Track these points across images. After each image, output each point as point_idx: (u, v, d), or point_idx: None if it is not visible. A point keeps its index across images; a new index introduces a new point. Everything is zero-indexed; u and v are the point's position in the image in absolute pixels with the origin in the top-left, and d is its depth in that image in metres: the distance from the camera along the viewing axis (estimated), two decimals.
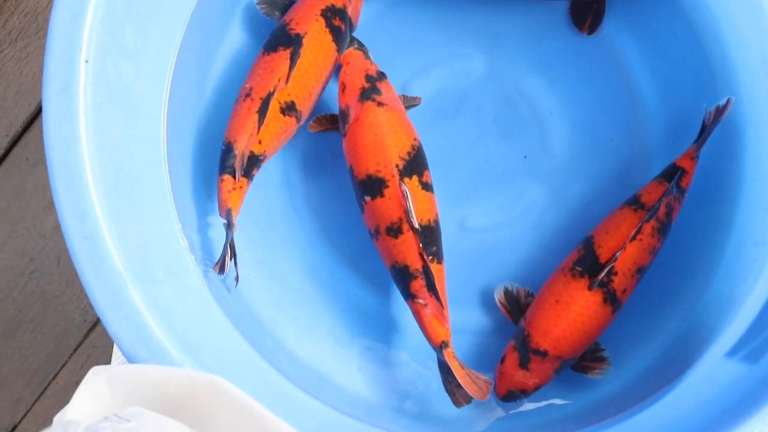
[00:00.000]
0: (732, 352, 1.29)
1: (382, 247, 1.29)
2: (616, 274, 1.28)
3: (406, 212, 1.26)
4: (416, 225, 1.25)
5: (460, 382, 1.23)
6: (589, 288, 1.27)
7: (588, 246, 1.30)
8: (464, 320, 1.38)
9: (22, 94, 1.50)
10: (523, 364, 1.29)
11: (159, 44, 1.27)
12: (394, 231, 1.27)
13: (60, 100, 1.15)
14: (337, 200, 1.39)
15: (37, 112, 1.51)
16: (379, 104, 1.30)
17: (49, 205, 1.49)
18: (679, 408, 1.26)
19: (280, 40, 1.35)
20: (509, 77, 1.44)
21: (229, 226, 1.27)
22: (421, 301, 1.26)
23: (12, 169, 1.50)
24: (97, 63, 1.17)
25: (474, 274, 1.40)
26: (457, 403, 1.26)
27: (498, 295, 1.35)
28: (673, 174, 1.33)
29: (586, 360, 1.31)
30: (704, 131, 1.34)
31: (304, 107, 1.33)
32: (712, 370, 1.30)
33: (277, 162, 1.40)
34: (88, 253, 1.14)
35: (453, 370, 1.24)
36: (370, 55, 1.41)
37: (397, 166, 1.27)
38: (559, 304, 1.28)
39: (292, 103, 1.31)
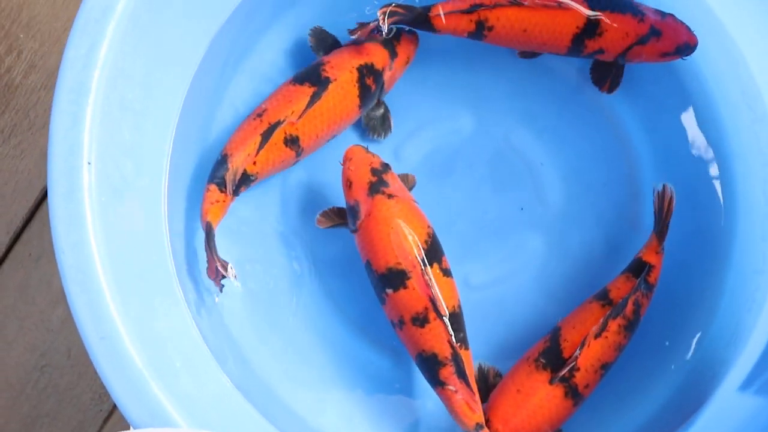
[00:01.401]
0: (745, 385, 1.31)
1: (407, 337, 1.27)
2: (578, 369, 1.28)
3: (433, 302, 1.25)
4: (446, 313, 1.25)
5: None
6: (550, 382, 1.27)
7: (554, 338, 1.30)
8: None
9: (19, 191, 1.51)
10: None
11: (154, 137, 1.28)
12: (420, 320, 1.25)
13: (67, 205, 1.16)
14: (346, 270, 1.40)
15: (36, 207, 1.52)
16: (389, 196, 1.29)
17: (55, 299, 1.49)
18: None
19: (310, 76, 1.36)
20: (498, 132, 1.45)
21: (208, 236, 1.26)
22: (451, 387, 1.25)
23: (15, 265, 1.51)
24: (99, 164, 1.18)
25: (482, 330, 1.39)
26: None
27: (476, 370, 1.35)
28: (640, 269, 1.32)
29: None
30: (661, 221, 1.34)
31: (307, 146, 1.33)
32: (727, 406, 1.30)
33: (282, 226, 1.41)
34: (106, 351, 1.15)
35: None
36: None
37: (417, 256, 1.26)
38: (521, 394, 1.28)
39: (297, 138, 1.32)
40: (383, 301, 1.27)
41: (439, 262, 1.27)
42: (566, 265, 1.43)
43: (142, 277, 1.20)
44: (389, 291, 1.25)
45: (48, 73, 1.55)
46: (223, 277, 1.25)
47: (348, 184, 1.31)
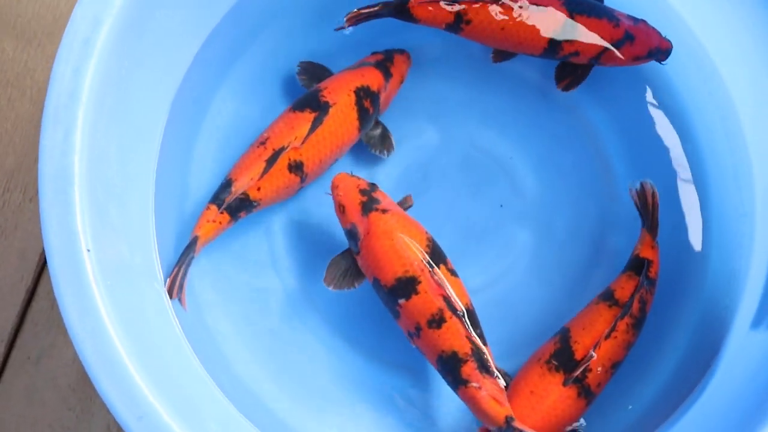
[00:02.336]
0: (756, 323, 1.31)
1: (425, 342, 1.26)
2: (590, 370, 1.28)
3: (447, 300, 1.25)
4: (461, 308, 1.25)
5: None
6: (564, 384, 1.27)
7: (564, 340, 1.29)
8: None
9: (3, 297, 1.49)
10: None
11: (139, 214, 1.29)
12: (437, 322, 1.25)
13: (76, 295, 1.14)
14: (352, 303, 1.40)
15: (24, 309, 1.49)
16: (383, 211, 1.30)
17: (64, 396, 1.45)
18: (724, 393, 1.26)
19: (310, 102, 1.37)
20: (462, 137, 1.46)
21: (188, 249, 1.27)
22: (474, 384, 1.23)
23: (17, 371, 1.47)
24: (96, 249, 1.16)
25: (487, 332, 1.34)
26: None
27: None
28: (640, 266, 1.33)
29: None
30: (648, 217, 1.35)
31: (311, 171, 1.35)
32: (744, 345, 1.31)
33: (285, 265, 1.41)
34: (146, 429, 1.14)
35: None
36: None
37: (423, 260, 1.26)
38: (534, 395, 1.28)
39: (301, 163, 1.33)
40: (397, 315, 1.27)
41: (445, 263, 1.28)
42: (557, 250, 1.44)
43: (161, 357, 1.21)
44: (402, 301, 1.26)
45: (7, 176, 1.53)
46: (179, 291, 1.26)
47: (341, 210, 1.31)
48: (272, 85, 1.45)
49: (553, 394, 1.27)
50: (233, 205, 1.30)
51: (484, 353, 1.23)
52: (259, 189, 1.31)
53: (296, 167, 1.33)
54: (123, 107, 1.23)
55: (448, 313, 1.24)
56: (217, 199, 1.30)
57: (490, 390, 1.22)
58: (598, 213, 1.44)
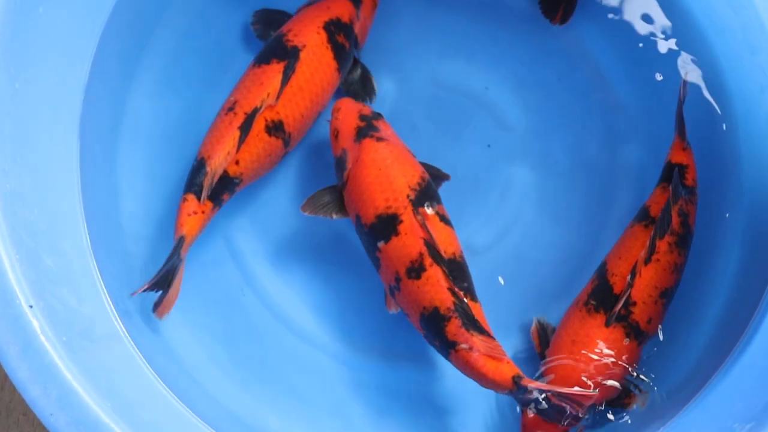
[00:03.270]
0: None
1: (405, 298, 1.15)
2: (635, 304, 1.17)
3: (427, 243, 1.13)
4: (441, 253, 1.13)
5: (563, 393, 1.10)
6: (606, 324, 1.17)
7: (601, 275, 1.20)
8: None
9: None
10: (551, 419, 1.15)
11: (75, 255, 1.16)
12: (416, 270, 1.13)
13: (29, 362, 0.99)
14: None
15: None
16: (379, 139, 1.19)
17: None
18: None
19: (275, 51, 1.21)
20: (421, 78, 1.33)
21: (175, 253, 1.14)
22: (463, 346, 1.11)
23: None
24: (39, 304, 1.01)
25: (512, 289, 1.28)
26: (572, 422, 1.12)
27: (534, 326, 1.25)
28: (670, 175, 1.21)
29: (621, 397, 1.20)
30: (680, 119, 1.23)
31: (295, 130, 1.21)
32: None
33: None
34: None
35: (547, 389, 1.10)
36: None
37: (408, 196, 1.16)
38: (576, 345, 1.17)
39: (281, 123, 1.19)
40: (377, 263, 1.17)
41: (435, 207, 1.18)
42: (564, 181, 1.31)
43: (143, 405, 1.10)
44: (381, 244, 1.16)
45: None
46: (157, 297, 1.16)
47: (335, 134, 1.22)
48: (196, 67, 1.31)
49: (597, 338, 1.16)
50: (213, 188, 1.16)
51: (468, 309, 1.12)
52: (238, 163, 1.18)
53: (276, 128, 1.19)
54: (25, 133, 1.11)
55: (428, 260, 1.13)
56: (192, 185, 1.16)
57: (483, 349, 1.10)
58: (600, 128, 1.32)
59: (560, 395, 1.09)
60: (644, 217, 1.21)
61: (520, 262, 1.29)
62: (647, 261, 1.16)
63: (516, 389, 1.10)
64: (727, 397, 1.12)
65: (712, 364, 1.16)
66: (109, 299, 1.15)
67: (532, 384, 1.09)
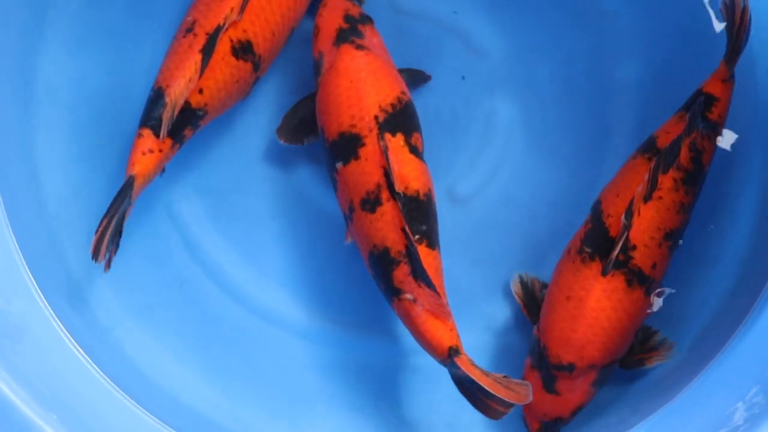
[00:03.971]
0: None
1: (357, 231, 1.09)
2: (634, 247, 1.06)
3: (387, 174, 1.05)
4: (397, 188, 1.05)
5: (491, 392, 1.00)
6: (603, 273, 1.06)
7: (595, 216, 1.10)
8: (482, 316, 1.19)
9: None
10: (548, 386, 1.08)
11: None
12: (371, 203, 1.06)
13: None
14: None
15: None
16: (359, 47, 1.11)
17: None
18: None
19: None
20: (379, 5, 1.21)
21: (124, 195, 1.04)
22: (408, 296, 1.03)
23: None
24: None
25: (500, 239, 1.19)
26: (495, 416, 1.03)
27: (515, 288, 1.16)
28: (699, 105, 1.09)
29: (635, 353, 1.11)
30: (731, 39, 1.09)
31: (265, 51, 1.12)
32: None
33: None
34: None
35: (476, 380, 1.00)
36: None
37: (376, 117, 1.08)
38: (572, 300, 1.08)
39: (248, 44, 1.10)
40: (335, 184, 1.11)
41: (407, 135, 1.09)
42: (552, 112, 1.21)
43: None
44: (339, 165, 1.09)
45: None
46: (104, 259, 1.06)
47: (315, 33, 1.14)
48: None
49: (594, 291, 1.06)
50: (173, 122, 1.07)
51: (418, 255, 1.03)
52: (201, 91, 1.08)
53: (243, 49, 1.10)
54: None
55: (385, 194, 1.06)
56: (149, 119, 1.06)
57: (427, 304, 1.03)
58: (590, 44, 1.21)
59: (487, 393, 1.00)
60: (649, 148, 1.10)
61: (511, 209, 1.20)
62: (647, 198, 1.06)
63: (449, 363, 1.02)
64: (763, 341, 1.03)
65: (732, 319, 1.07)
66: (41, 294, 1.08)
67: (465, 366, 1.01)
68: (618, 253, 1.04)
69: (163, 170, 1.10)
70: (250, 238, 1.18)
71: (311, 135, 1.14)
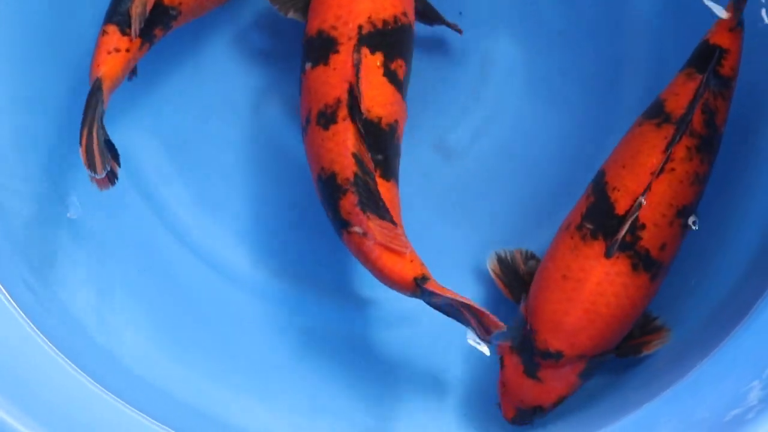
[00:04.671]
0: None
1: (308, 147, 1.03)
2: (643, 226, 0.99)
3: (351, 91, 1.00)
4: (359, 107, 0.99)
5: (475, 309, 0.94)
6: (607, 255, 0.99)
7: (598, 189, 1.02)
8: (472, 280, 1.11)
9: None
10: (530, 371, 1.01)
11: None
12: (327, 118, 1.00)
13: None
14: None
15: None
16: None
17: None
18: None
19: None
20: None
21: (93, 102, 0.98)
22: (357, 229, 0.97)
23: None
24: None
25: (500, 200, 1.10)
26: (484, 334, 0.96)
27: (491, 266, 1.08)
28: (708, 58, 1.01)
29: (633, 337, 1.04)
30: None
31: None
32: None
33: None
34: None
35: (457, 298, 0.95)
36: None
37: (360, 28, 1.01)
38: (568, 281, 1.00)
39: None
40: (300, 86, 1.05)
41: (389, 58, 1.03)
42: (559, 51, 1.12)
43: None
44: (308, 66, 1.03)
45: None
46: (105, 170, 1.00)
47: None
48: None
49: (595, 273, 0.99)
50: (142, 19, 1.02)
51: (372, 184, 0.98)
52: None
53: None
54: None
55: (343, 112, 1.00)
56: (115, 14, 1.01)
57: (379, 236, 0.96)
58: None
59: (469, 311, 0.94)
60: (657, 112, 1.01)
61: (509, 162, 1.12)
62: (660, 171, 0.99)
63: (420, 294, 0.96)
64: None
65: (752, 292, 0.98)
66: None
67: (438, 289, 0.95)
68: (626, 233, 0.98)
69: (134, 72, 1.04)
70: (212, 190, 1.11)
71: (299, 12, 1.07)
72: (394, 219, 0.99)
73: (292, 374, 1.09)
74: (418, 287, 0.95)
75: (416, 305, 0.99)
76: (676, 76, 1.04)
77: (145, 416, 1.01)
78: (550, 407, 1.01)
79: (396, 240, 0.96)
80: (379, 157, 1.00)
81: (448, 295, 0.95)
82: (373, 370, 1.09)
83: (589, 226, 1.00)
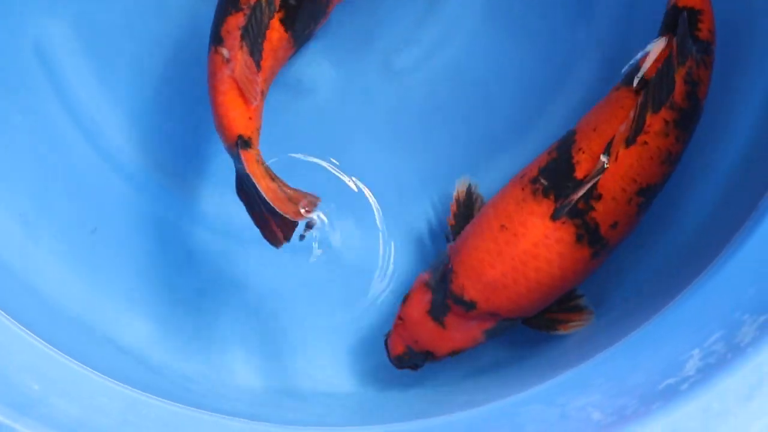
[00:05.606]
0: None
1: None
2: (600, 197, 0.91)
3: None
4: None
5: (264, 196, 0.88)
6: (554, 217, 0.91)
7: (565, 147, 0.94)
8: (412, 218, 1.03)
9: None
10: (436, 313, 0.95)
11: None
12: None
13: None
14: None
15: None
16: None
17: None
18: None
19: None
20: None
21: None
22: (224, 51, 0.91)
23: None
24: None
25: (453, 131, 1.01)
26: (273, 240, 0.90)
27: (458, 190, 1.01)
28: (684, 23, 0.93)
29: (551, 311, 0.97)
30: None
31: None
32: None
33: None
34: None
35: (256, 182, 0.89)
36: None
37: None
38: (505, 232, 0.94)
39: None
40: None
41: None
42: None
43: None
44: None
45: None
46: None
47: None
48: None
49: (535, 230, 0.92)
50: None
51: (266, 19, 0.93)
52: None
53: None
54: None
55: None
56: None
57: (239, 71, 0.91)
58: None
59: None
60: (636, 78, 0.94)
61: (459, 88, 1.03)
62: (630, 141, 0.90)
63: (235, 154, 0.89)
64: (733, 282, 0.85)
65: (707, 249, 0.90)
66: None
67: (249, 164, 0.88)
68: (579, 199, 0.90)
69: None
70: (116, 73, 1.03)
71: None
72: (267, 68, 0.93)
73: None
74: (236, 146, 0.90)
75: None
76: (651, 43, 0.95)
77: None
78: (441, 357, 0.96)
79: (251, 85, 0.91)
80: (292, 1, 0.94)
81: (253, 174, 0.88)
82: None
83: (543, 181, 0.93)
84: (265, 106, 0.95)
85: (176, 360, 1.00)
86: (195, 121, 1.04)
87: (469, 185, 1.00)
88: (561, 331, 0.95)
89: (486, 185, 0.99)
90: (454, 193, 1.00)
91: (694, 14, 0.93)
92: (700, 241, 0.96)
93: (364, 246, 1.01)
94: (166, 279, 1.03)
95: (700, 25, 0.93)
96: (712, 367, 0.74)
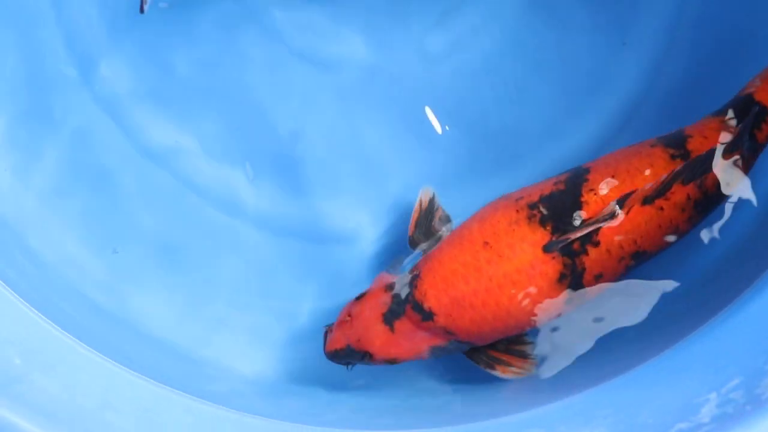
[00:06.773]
0: None
1: None
2: (597, 244, 0.89)
3: None
4: None
5: None
6: (546, 249, 0.89)
7: (574, 182, 0.92)
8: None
9: None
10: (389, 316, 0.93)
11: None
12: None
13: None
14: None
15: None
16: None
17: None
18: None
19: None
20: None
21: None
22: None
23: None
24: None
25: (465, 119, 0.98)
26: None
27: (422, 197, 0.99)
28: (745, 112, 0.91)
29: (496, 349, 0.95)
30: None
31: None
32: None
33: None
34: None
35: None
36: None
37: None
38: (488, 250, 0.91)
39: None
40: None
41: None
42: None
43: None
44: None
45: None
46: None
47: None
48: None
49: (522, 259, 0.90)
50: None
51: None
52: None
53: None
54: None
55: None
56: None
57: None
58: None
59: None
60: (676, 144, 0.91)
61: (488, 79, 1.00)
62: (648, 201, 0.89)
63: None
64: (759, 323, 0.80)
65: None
66: None
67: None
68: (579, 239, 0.88)
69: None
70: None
71: None
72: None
73: None
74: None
75: None
76: (707, 117, 0.93)
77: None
78: (379, 362, 0.94)
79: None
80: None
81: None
82: None
83: (543, 210, 0.91)
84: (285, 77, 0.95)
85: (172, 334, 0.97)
86: None
87: (432, 195, 0.98)
88: (498, 373, 0.92)
89: (504, 187, 0.95)
90: (416, 202, 0.99)
91: (763, 113, 0.92)
92: (726, 272, 0.91)
93: None
94: (162, 247, 1.00)
95: (763, 125, 0.91)
96: (730, 418, 0.70)
